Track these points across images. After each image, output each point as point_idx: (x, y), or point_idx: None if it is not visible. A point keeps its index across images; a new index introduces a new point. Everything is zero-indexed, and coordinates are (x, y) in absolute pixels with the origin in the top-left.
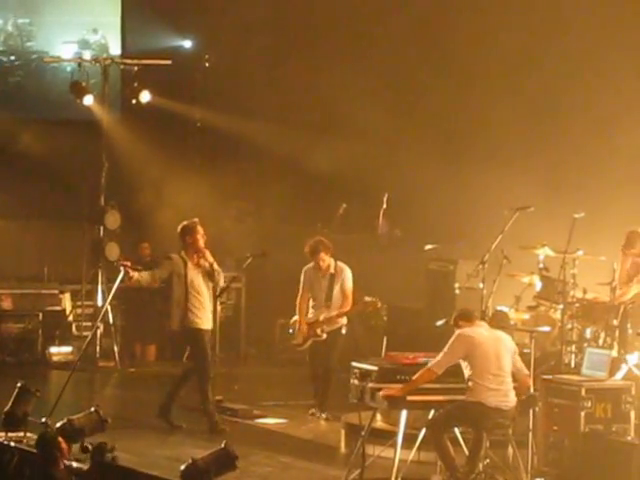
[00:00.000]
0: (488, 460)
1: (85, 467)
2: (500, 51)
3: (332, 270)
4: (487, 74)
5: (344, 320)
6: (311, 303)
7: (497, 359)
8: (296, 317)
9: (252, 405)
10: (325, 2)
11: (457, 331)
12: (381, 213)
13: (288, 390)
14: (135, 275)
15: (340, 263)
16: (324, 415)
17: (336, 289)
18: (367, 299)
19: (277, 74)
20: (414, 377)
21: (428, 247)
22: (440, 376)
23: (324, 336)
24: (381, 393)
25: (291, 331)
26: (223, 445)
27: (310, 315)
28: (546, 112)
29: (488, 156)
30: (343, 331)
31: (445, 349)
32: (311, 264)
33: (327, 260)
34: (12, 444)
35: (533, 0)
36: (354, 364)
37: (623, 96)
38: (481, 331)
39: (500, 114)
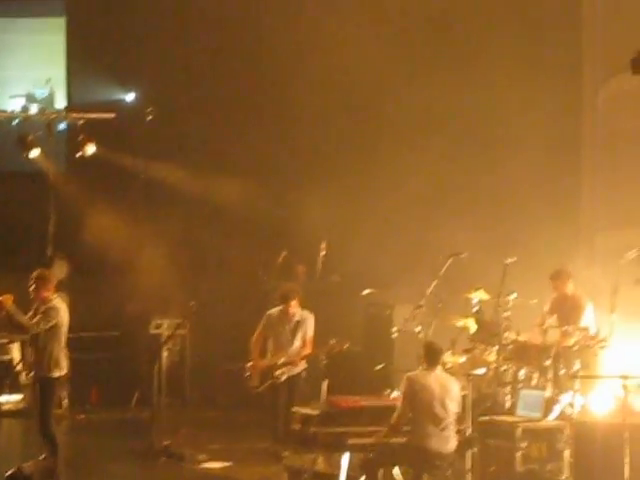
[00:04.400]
0: None
1: None
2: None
3: (298, 317)
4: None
5: (304, 365)
6: (270, 346)
7: (441, 405)
8: (251, 362)
9: (198, 449)
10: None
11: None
12: (320, 259)
13: (232, 434)
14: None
15: (306, 311)
16: (286, 453)
17: (299, 335)
18: (332, 341)
19: (214, 125)
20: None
21: (366, 292)
22: (382, 419)
23: (283, 378)
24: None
25: (248, 374)
26: None
27: (268, 358)
28: (480, 163)
29: (422, 202)
30: (303, 375)
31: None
32: (277, 309)
33: (296, 307)
34: None
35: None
36: (296, 409)
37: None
38: (429, 375)
39: (432, 162)
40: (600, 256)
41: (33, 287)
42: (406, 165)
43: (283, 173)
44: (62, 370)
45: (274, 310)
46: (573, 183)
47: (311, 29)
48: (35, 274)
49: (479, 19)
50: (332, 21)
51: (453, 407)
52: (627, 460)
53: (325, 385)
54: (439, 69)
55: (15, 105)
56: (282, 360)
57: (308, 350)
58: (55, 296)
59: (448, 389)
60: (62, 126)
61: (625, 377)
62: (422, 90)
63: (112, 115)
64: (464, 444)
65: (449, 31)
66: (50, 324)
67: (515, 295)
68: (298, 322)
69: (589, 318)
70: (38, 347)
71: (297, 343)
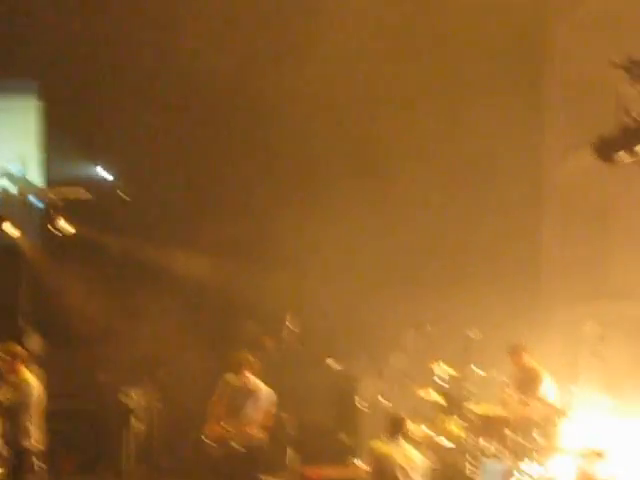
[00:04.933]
0: None
1: None
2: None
3: (250, 386)
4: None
5: (261, 435)
6: (225, 412)
7: (404, 475)
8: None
9: None
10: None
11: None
12: (286, 331)
13: None
14: None
15: (258, 381)
16: None
17: (250, 405)
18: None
19: (186, 199)
20: None
21: (329, 361)
22: None
23: (234, 445)
24: None
25: (203, 437)
26: None
27: (222, 424)
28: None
29: (389, 273)
30: (260, 445)
31: None
32: (233, 375)
33: (248, 376)
34: None
35: None
36: (264, 478)
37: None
38: (392, 445)
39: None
40: (559, 327)
41: (3, 361)
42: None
43: (251, 249)
44: (34, 441)
45: (230, 376)
46: (533, 256)
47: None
48: (5, 349)
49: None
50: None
51: (416, 477)
52: None
53: (291, 454)
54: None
55: None
56: (235, 428)
57: (263, 421)
58: (25, 370)
59: (411, 458)
60: (38, 203)
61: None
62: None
63: (89, 196)
64: None
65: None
66: (23, 398)
67: (475, 367)
68: (250, 391)
69: (546, 389)
70: (11, 419)
71: (250, 412)
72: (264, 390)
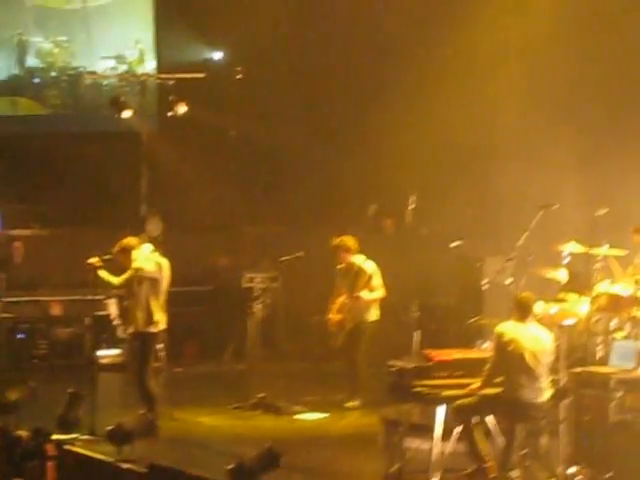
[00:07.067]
0: (525, 450)
1: (142, 470)
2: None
3: (354, 267)
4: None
5: (371, 314)
6: (341, 299)
7: (533, 356)
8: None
9: (293, 401)
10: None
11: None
12: (408, 213)
13: (327, 385)
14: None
15: (360, 260)
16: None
17: (360, 284)
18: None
19: (301, 79)
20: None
21: (454, 244)
22: (475, 371)
23: (349, 326)
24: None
25: (331, 330)
26: (268, 445)
27: (340, 308)
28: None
29: (513, 153)
30: (369, 322)
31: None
32: (339, 261)
33: (347, 258)
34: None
35: None
36: (390, 362)
37: None
38: (519, 327)
39: (524, 111)
40: None
41: (119, 252)
42: (495, 118)
43: (376, 128)
44: (160, 325)
45: (341, 265)
46: None
47: None
48: (123, 242)
49: None
50: None
51: (545, 358)
52: None
53: (417, 337)
54: None
55: (106, 66)
56: (347, 309)
57: (376, 296)
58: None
59: (539, 340)
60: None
61: None
62: None
63: (201, 75)
64: (558, 395)
65: None
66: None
67: (606, 247)
68: (356, 272)
69: None
70: (137, 303)
71: (359, 291)
72: (368, 265)
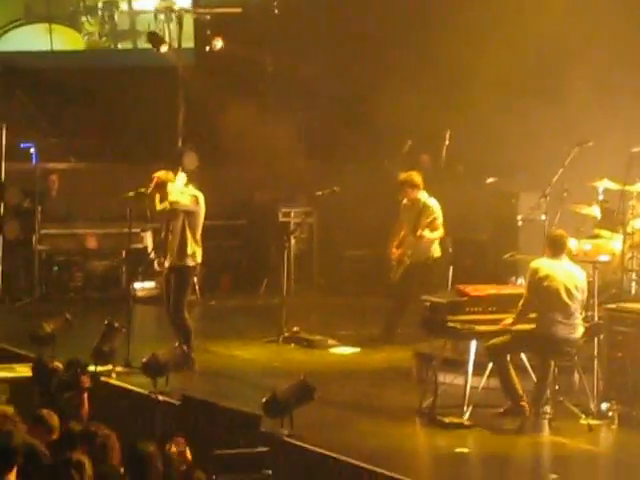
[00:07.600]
0: (557, 386)
1: (175, 402)
2: None
3: (419, 204)
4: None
5: (436, 250)
6: (402, 234)
7: (566, 292)
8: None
9: (327, 335)
10: None
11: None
12: (444, 149)
13: (361, 320)
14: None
15: (425, 197)
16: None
17: (423, 222)
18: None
19: (338, 14)
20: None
21: (489, 180)
22: (509, 306)
23: (408, 262)
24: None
25: (391, 263)
26: (302, 377)
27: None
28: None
29: (546, 90)
30: (434, 258)
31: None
32: (402, 196)
33: (413, 194)
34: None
35: None
36: (424, 297)
37: None
38: (554, 263)
39: (564, 46)
40: None
41: (154, 185)
42: (529, 54)
43: (412, 63)
44: (196, 259)
45: (405, 200)
46: None
47: None
48: (158, 176)
49: None
50: None
51: (579, 294)
52: None
53: (450, 272)
54: None
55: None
56: (408, 245)
57: (437, 235)
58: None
59: (573, 277)
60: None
61: None
62: None
63: (238, 10)
64: (591, 331)
65: None
66: (178, 207)
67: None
68: (421, 209)
69: None
70: (173, 236)
71: (420, 229)
72: (431, 203)
